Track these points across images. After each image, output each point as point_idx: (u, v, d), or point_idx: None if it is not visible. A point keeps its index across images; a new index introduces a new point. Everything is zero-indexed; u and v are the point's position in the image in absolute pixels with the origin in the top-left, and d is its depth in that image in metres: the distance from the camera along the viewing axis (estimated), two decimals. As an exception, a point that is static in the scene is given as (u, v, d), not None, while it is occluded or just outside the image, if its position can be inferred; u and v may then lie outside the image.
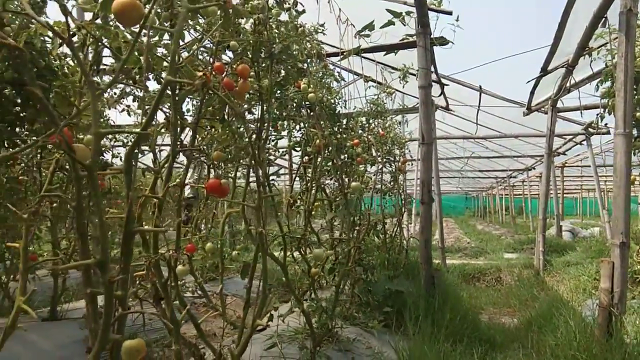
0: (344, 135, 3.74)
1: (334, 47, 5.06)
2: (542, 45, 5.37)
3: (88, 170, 0.76)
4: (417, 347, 2.97)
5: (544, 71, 5.70)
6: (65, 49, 3.40)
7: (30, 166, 3.63)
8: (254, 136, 2.04)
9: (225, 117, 2.24)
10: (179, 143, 1.92)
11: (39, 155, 3.32)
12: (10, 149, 3.29)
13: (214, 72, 1.39)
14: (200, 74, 1.25)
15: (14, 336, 3.07)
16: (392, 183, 4.73)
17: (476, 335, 3.88)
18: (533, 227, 16.10)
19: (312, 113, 3.46)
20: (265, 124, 1.99)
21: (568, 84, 5.76)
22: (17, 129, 3.28)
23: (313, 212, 3.53)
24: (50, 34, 2.40)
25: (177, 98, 1.48)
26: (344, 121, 4.11)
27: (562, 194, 14.54)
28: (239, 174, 3.20)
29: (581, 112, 6.34)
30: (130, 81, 1.81)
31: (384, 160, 4.25)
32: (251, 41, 1.85)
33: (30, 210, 0.97)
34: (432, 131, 3.96)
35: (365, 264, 3.52)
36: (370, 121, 3.79)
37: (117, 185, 4.03)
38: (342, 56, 3.30)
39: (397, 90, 4.28)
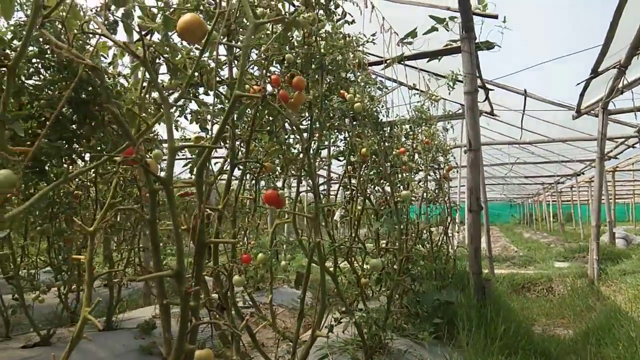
0: (387, 144, 3.72)
1: (374, 55, 5.06)
2: (591, 46, 5.20)
3: (164, 183, 0.79)
4: (472, 360, 2.89)
5: (595, 72, 5.49)
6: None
7: (85, 181, 3.79)
8: (302, 146, 2.05)
9: (274, 128, 2.27)
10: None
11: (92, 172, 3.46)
12: (67, 165, 3.44)
13: (270, 85, 1.41)
14: (258, 87, 1.27)
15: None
16: (437, 191, 4.65)
17: (531, 347, 3.74)
18: (583, 234, 15.46)
19: (355, 122, 3.46)
20: (316, 135, 2.00)
21: (620, 85, 5.53)
22: (74, 145, 3.44)
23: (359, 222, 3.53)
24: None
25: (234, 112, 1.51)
26: (388, 129, 4.09)
27: (613, 200, 13.92)
28: (279, 184, 3.23)
29: (635, 114, 6.06)
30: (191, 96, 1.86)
31: (429, 168, 4.20)
32: (301, 53, 1.88)
33: (107, 222, 1.00)
34: (479, 137, 3.87)
35: (413, 274, 3.46)
36: (415, 129, 3.75)
37: (164, 198, 4.14)
38: (385, 64, 3.29)
39: (442, 98, 4.23)
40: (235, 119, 1.43)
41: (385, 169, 2.58)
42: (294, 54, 1.97)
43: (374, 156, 3.34)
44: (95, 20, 0.88)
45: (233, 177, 1.98)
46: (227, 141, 1.58)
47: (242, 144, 1.84)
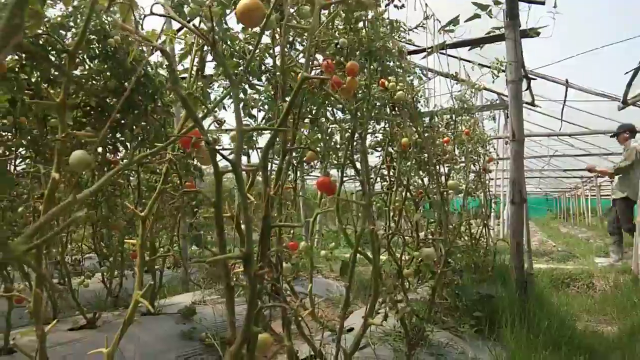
0: (427, 134, 3.66)
1: (412, 44, 4.97)
2: (635, 34, 4.98)
3: (233, 166, 0.78)
4: (517, 355, 2.82)
5: (644, 61, 5.26)
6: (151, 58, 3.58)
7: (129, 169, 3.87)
8: (351, 132, 2.03)
9: (318, 116, 2.25)
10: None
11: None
12: (111, 154, 3.52)
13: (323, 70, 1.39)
14: (304, 73, 1.25)
15: (118, 328, 3.27)
16: (476, 183, 4.56)
17: (574, 343, 3.64)
18: (625, 230, 14.91)
19: (396, 112, 3.41)
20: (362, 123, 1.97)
21: (672, 74, 5.28)
22: (117, 134, 3.51)
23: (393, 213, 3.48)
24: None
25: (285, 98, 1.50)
26: (427, 119, 4.02)
27: (658, 194, 13.35)
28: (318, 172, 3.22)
29: (686, 105, 5.79)
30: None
31: (469, 159, 4.11)
32: (347, 39, 1.85)
33: (174, 205, 1.01)
34: (522, 128, 3.76)
35: (453, 267, 3.41)
36: (456, 119, 3.67)
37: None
38: (427, 52, 3.22)
39: (485, 89, 4.12)
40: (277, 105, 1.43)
41: (432, 158, 2.52)
42: (336, 41, 1.95)
43: (412, 147, 3.29)
44: (160, 2, 0.87)
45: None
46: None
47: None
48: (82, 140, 1.76)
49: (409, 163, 3.62)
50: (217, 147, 0.88)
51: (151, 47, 3.33)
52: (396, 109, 3.33)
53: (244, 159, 2.57)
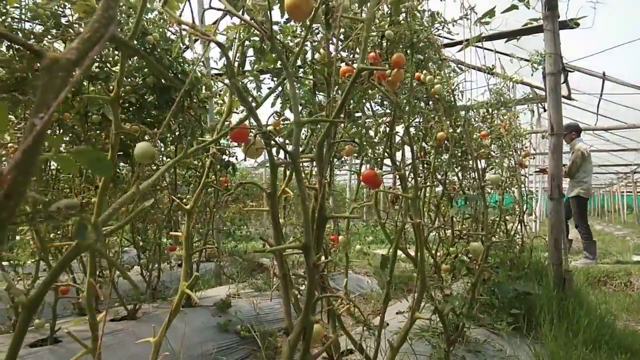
0: (462, 128, 3.60)
1: (445, 37, 4.90)
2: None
3: (292, 157, 0.79)
4: (557, 354, 2.77)
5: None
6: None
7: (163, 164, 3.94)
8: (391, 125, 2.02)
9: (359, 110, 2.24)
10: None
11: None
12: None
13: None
14: (348, 67, 1.24)
15: (157, 319, 3.34)
16: (511, 178, 4.47)
17: (614, 342, 3.54)
18: (663, 227, 14.42)
19: (431, 105, 3.37)
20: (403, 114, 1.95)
21: None
22: (155, 130, 3.57)
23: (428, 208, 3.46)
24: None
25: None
26: (462, 113, 3.95)
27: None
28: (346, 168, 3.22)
29: None
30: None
31: (505, 154, 4.03)
32: (389, 31, 1.83)
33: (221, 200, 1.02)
34: (562, 121, 3.67)
35: (490, 263, 3.36)
36: (493, 112, 3.61)
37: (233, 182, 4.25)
38: (463, 45, 3.17)
39: (522, 82, 4.04)
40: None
41: (472, 152, 2.48)
42: (377, 34, 1.94)
43: (448, 141, 3.25)
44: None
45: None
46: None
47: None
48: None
49: (444, 156, 3.57)
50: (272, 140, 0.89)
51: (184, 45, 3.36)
52: (430, 102, 3.29)
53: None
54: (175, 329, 3.04)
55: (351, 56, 1.75)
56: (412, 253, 1.92)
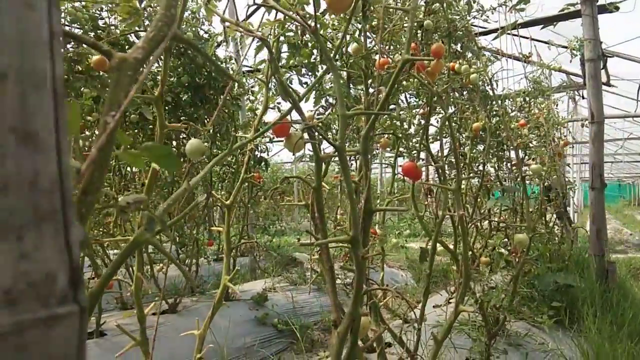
0: (498, 118, 3.54)
1: (478, 26, 4.80)
2: None
3: (338, 150, 0.79)
4: (602, 347, 2.69)
5: None
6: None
7: (204, 160, 4.01)
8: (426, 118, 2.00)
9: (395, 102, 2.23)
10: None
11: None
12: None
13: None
14: (384, 60, 1.23)
15: (197, 313, 3.39)
16: (550, 168, 4.35)
17: (661, 336, 3.42)
18: None
19: (465, 95, 3.32)
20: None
21: None
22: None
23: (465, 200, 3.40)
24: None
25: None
26: (498, 102, 3.87)
27: None
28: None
29: None
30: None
31: (543, 143, 3.93)
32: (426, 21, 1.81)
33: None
34: (602, 108, 3.55)
35: (530, 256, 3.29)
36: (530, 101, 3.52)
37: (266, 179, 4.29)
38: (498, 33, 3.10)
39: (560, 70, 3.91)
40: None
41: (512, 141, 2.43)
42: (415, 24, 1.91)
43: (484, 132, 3.19)
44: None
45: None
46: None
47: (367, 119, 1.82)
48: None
49: (480, 147, 3.51)
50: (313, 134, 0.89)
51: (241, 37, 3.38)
52: (465, 92, 3.24)
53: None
54: (216, 322, 3.09)
55: (386, 48, 1.73)
56: (450, 246, 1.90)
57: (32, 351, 0.26)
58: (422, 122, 2.33)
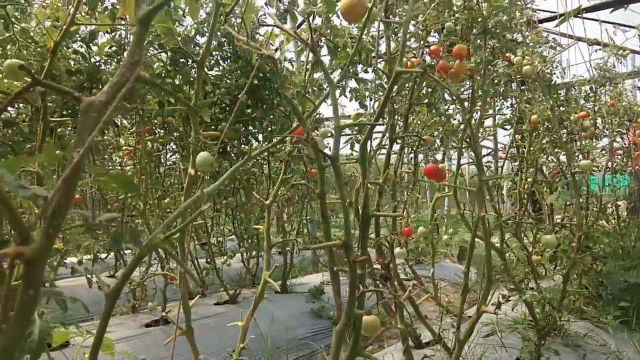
0: (563, 109, 3.36)
1: (545, 10, 4.57)
2: None
3: (332, 160, 0.85)
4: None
5: None
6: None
7: (259, 159, 4.19)
8: (462, 117, 1.97)
9: (433, 100, 2.22)
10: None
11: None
12: (244, 145, 3.82)
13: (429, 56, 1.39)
14: (416, 60, 1.26)
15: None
16: (624, 160, 4.06)
17: None
18: None
19: (524, 87, 3.19)
20: (478, 103, 1.91)
21: None
22: (249, 128, 3.80)
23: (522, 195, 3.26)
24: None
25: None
26: (563, 92, 3.68)
27: None
28: (439, 156, 3.16)
29: None
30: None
31: (615, 133, 3.68)
32: (461, 19, 1.79)
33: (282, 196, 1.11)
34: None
35: (595, 253, 3.12)
36: (598, 89, 3.30)
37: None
38: (560, 19, 2.95)
39: (631, 51, 3.63)
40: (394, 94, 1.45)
41: (561, 137, 2.34)
42: (452, 21, 1.90)
43: (546, 123, 3.06)
44: (268, 13, 0.96)
45: (392, 152, 2.00)
46: (386, 117, 1.61)
47: (400, 118, 1.84)
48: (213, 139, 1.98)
49: (545, 141, 3.36)
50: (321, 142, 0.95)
51: (281, 44, 3.49)
52: (525, 84, 3.12)
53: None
54: (271, 314, 3.25)
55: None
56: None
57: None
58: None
